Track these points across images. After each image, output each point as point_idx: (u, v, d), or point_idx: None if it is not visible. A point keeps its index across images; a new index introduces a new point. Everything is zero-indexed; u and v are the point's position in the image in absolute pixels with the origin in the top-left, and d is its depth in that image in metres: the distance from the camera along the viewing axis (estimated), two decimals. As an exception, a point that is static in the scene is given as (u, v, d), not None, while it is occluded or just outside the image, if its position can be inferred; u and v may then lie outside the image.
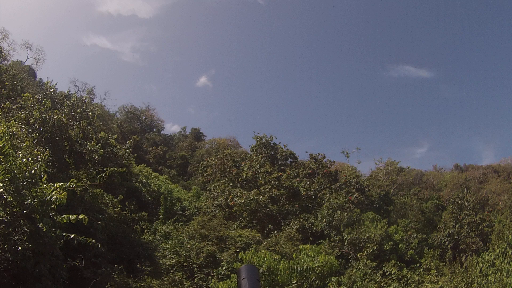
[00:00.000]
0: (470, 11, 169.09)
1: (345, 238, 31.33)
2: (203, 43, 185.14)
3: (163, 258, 24.98)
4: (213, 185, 41.91)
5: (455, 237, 31.63)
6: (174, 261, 25.09)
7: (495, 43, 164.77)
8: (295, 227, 33.77)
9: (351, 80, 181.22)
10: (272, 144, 52.06)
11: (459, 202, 34.48)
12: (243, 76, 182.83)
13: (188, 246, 26.42)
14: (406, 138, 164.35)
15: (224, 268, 23.91)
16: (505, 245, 15.87)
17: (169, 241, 27.87)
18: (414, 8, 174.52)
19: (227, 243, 27.51)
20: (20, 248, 8.82)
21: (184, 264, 25.19)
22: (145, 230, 28.27)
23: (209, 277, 24.20)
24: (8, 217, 9.03)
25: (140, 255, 20.22)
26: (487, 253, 16.42)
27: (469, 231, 31.38)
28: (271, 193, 38.16)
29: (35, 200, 9.42)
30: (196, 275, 24.38)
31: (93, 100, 67.87)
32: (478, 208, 34.33)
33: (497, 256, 15.21)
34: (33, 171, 10.24)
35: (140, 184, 35.75)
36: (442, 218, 36.83)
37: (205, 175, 48.95)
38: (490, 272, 14.61)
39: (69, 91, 24.88)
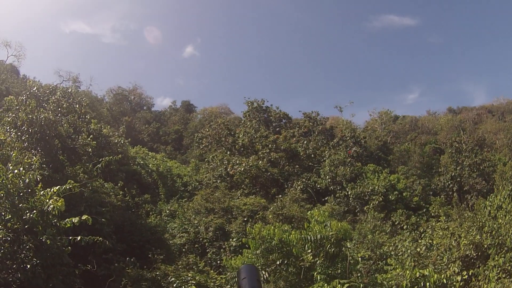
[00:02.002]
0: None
1: (349, 193, 31.52)
2: (184, 13, 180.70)
3: (173, 239, 25.01)
4: (211, 156, 41.65)
5: (458, 179, 31.89)
6: (184, 239, 25.13)
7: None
8: (299, 187, 33.89)
9: (335, 34, 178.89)
10: (264, 108, 51.70)
11: (457, 145, 34.56)
12: (228, 41, 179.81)
13: (196, 222, 26.44)
14: (396, 86, 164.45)
15: (235, 239, 24.02)
16: (510, 186, 15.89)
17: (176, 220, 27.89)
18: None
19: (233, 213, 27.58)
20: (28, 266, 8.62)
21: (195, 240, 25.33)
22: (150, 213, 28.21)
23: (222, 250, 24.36)
24: (11, 235, 8.76)
25: (150, 240, 20.13)
26: (493, 195, 16.45)
27: (471, 172, 31.58)
28: (270, 157, 38.06)
29: (34, 212, 9.12)
30: (208, 250, 24.53)
31: (79, 88, 67.06)
32: (476, 149, 34.46)
33: (504, 198, 15.24)
34: (27, 181, 9.88)
35: (138, 167, 35.45)
36: (442, 162, 37.04)
37: (201, 147, 48.74)
38: (499, 215, 14.65)
39: (53, 86, 24.10)
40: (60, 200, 9.62)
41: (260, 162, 36.40)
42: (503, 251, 13.02)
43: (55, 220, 10.02)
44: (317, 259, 12.38)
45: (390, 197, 30.29)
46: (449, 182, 32.10)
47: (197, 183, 38.89)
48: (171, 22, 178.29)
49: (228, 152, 41.99)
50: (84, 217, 10.10)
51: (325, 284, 10.96)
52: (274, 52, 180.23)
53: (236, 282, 12.39)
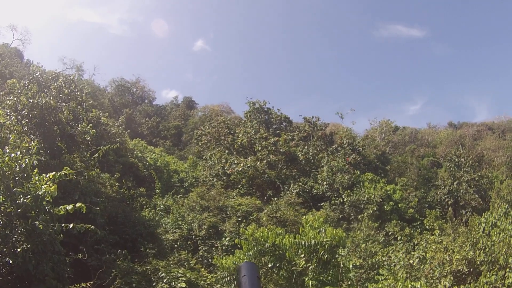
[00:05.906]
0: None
1: (345, 200, 31.43)
2: (195, 7, 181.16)
3: (165, 234, 24.92)
4: (209, 154, 41.49)
5: (454, 193, 31.87)
6: (177, 235, 25.01)
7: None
8: (295, 191, 33.78)
9: (342, 39, 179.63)
10: (265, 109, 51.62)
11: (456, 159, 34.56)
12: (240, 39, 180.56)
13: (189, 219, 26.31)
14: (399, 95, 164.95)
15: (227, 239, 23.90)
16: (506, 205, 15.90)
17: (170, 216, 27.78)
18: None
19: (228, 213, 27.45)
20: (19, 250, 8.53)
21: (187, 237, 25.22)
22: (145, 206, 28.10)
23: (213, 248, 24.26)
24: (3, 219, 8.67)
25: (143, 234, 20.06)
26: (488, 213, 16.44)
27: (468, 187, 31.56)
28: (268, 159, 37.90)
29: (28, 196, 9.03)
30: (200, 248, 24.43)
31: (83, 77, 66.95)
32: (475, 165, 34.49)
33: (499, 216, 15.22)
34: (23, 165, 9.79)
35: (136, 159, 35.32)
36: (440, 175, 37.04)
37: (200, 144, 48.56)
38: (494, 232, 14.63)
39: (56, 72, 24.01)
40: (53, 186, 9.53)
41: (259, 163, 36.27)
42: (496, 269, 12.95)
43: (49, 207, 9.93)
44: (310, 264, 12.30)
45: (385, 207, 30.23)
46: (445, 196, 32.09)
47: (194, 180, 38.75)
48: (181, 15, 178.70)
49: (227, 151, 41.85)
50: (78, 204, 10.01)
51: (316, 290, 10.90)
52: (279, 54, 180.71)
53: (235, 280, 12.34)
